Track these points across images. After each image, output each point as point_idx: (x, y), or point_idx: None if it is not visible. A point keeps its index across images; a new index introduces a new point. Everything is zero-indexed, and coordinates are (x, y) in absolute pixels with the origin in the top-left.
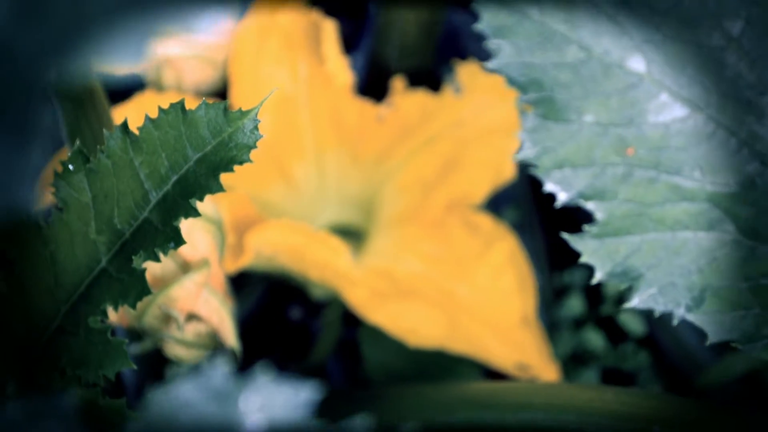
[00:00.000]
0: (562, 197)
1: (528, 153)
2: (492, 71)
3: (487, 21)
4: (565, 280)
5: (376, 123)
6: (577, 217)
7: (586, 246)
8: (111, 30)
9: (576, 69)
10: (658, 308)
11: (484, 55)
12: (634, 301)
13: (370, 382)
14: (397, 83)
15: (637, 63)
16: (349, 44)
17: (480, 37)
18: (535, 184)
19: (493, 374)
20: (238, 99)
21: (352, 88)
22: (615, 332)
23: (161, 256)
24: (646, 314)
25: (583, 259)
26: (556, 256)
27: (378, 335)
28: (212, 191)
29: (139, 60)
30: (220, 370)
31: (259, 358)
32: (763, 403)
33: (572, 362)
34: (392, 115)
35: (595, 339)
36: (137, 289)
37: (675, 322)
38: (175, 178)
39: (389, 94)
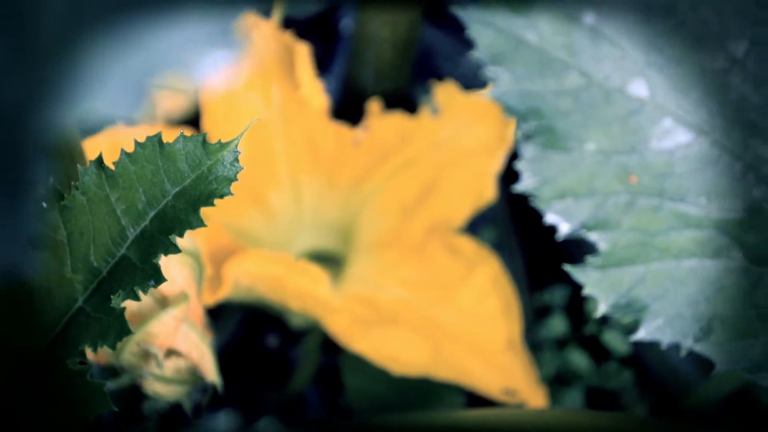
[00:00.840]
0: (564, 228)
1: (528, 184)
2: (490, 100)
3: (484, 48)
4: (545, 299)
5: (353, 147)
6: (554, 238)
7: (589, 278)
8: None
9: (576, 96)
10: (666, 340)
11: (458, 75)
12: (641, 334)
13: (351, 410)
14: (373, 105)
15: (639, 88)
16: (322, 66)
17: (453, 57)
18: (513, 203)
19: (479, 400)
20: (212, 127)
21: (327, 112)
22: (598, 351)
23: (141, 294)
24: (630, 333)
25: (586, 291)
26: (536, 275)
27: (360, 363)
28: (192, 226)
29: (136, 110)
30: None
31: (236, 388)
32: (751, 422)
33: (555, 383)
34: (369, 138)
35: (578, 359)
36: (116, 329)
37: (683, 353)
38: (153, 213)
39: (365, 116)
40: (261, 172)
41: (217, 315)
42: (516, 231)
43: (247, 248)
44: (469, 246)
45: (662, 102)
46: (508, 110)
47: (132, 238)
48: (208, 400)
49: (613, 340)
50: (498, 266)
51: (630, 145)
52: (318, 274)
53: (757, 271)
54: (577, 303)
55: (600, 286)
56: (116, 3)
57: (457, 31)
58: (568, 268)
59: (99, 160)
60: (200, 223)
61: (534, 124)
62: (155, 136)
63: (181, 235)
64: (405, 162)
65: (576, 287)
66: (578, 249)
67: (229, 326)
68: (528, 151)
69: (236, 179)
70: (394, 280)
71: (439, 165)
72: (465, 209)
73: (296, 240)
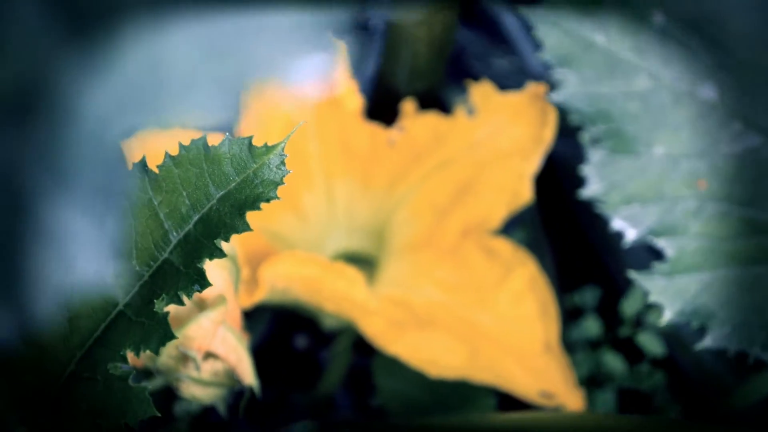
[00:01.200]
0: (630, 234)
1: (595, 189)
2: (557, 103)
3: (552, 50)
4: (577, 300)
5: (387, 148)
6: (586, 239)
7: (655, 285)
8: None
9: (645, 99)
10: (732, 348)
11: (491, 75)
12: (707, 341)
13: (382, 412)
14: (408, 105)
15: (709, 90)
16: (356, 66)
17: (486, 57)
18: (543, 202)
19: (512, 403)
20: (246, 128)
21: (361, 112)
22: (631, 353)
23: (185, 299)
24: (666, 335)
25: (652, 299)
26: (567, 276)
27: (392, 364)
28: (238, 230)
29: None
30: None
31: (266, 389)
32: None
33: (588, 384)
34: (403, 139)
35: (612, 361)
36: (159, 333)
37: (750, 361)
38: (197, 217)
39: (399, 117)
40: (294, 175)
41: (248, 315)
42: (546, 231)
43: (281, 251)
44: (505, 248)
45: (732, 105)
46: (576, 113)
47: (175, 242)
48: (245, 402)
49: (647, 341)
50: (535, 268)
51: (699, 149)
52: (354, 275)
53: None
54: (609, 304)
55: (666, 293)
56: (204, 6)
57: (489, 31)
58: (633, 274)
59: (142, 163)
60: (246, 227)
61: (602, 128)
62: (200, 139)
63: (226, 240)
64: (440, 163)
65: (608, 288)
66: (608, 250)
67: (259, 327)
68: (595, 155)
69: (282, 183)
70: (429, 281)
71: (474, 166)
72: (500, 211)
73: (329, 242)
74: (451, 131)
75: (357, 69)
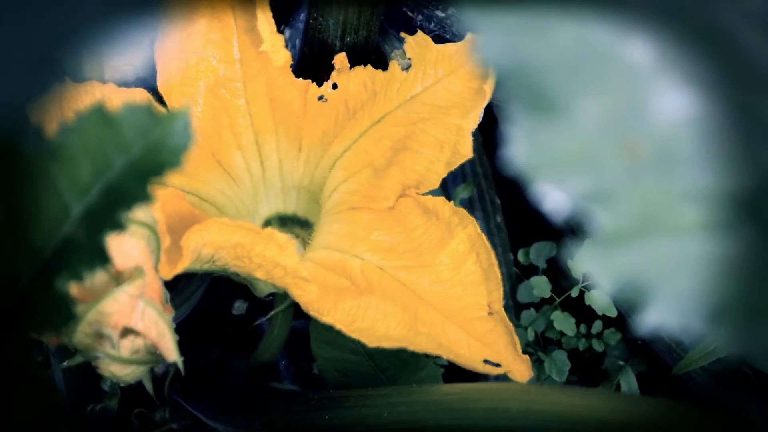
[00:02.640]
0: (560, 200)
1: (517, 150)
2: (472, 54)
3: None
4: (529, 257)
5: (319, 104)
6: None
7: (589, 255)
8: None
9: (571, 52)
10: (673, 322)
11: (430, 29)
12: (647, 315)
13: (323, 380)
14: (340, 60)
15: (642, 46)
16: (284, 19)
17: (422, 7)
18: (492, 157)
19: (460, 371)
20: (166, 86)
21: (289, 67)
22: (583, 312)
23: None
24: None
25: (587, 270)
26: (517, 233)
27: (329, 331)
28: (142, 201)
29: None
30: None
31: (203, 356)
32: (746, 386)
33: (539, 345)
34: (336, 95)
35: (562, 320)
36: (61, 314)
37: (691, 337)
38: (98, 187)
39: (331, 72)
40: (222, 133)
41: (185, 281)
42: (496, 187)
43: (208, 216)
44: (445, 208)
45: (667, 62)
46: (492, 65)
47: (76, 215)
48: (169, 381)
49: (598, 301)
50: (476, 229)
51: (631, 109)
52: (285, 241)
53: None
54: (562, 263)
55: (603, 265)
56: None
57: None
58: (569, 245)
59: (37, 131)
60: (150, 197)
61: (523, 82)
62: (97, 104)
63: (129, 210)
64: (375, 119)
65: (561, 244)
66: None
67: (194, 292)
68: (515, 112)
69: (188, 149)
70: (366, 245)
71: (411, 122)
72: (440, 169)
73: (261, 205)
74: (387, 86)
75: (286, 23)
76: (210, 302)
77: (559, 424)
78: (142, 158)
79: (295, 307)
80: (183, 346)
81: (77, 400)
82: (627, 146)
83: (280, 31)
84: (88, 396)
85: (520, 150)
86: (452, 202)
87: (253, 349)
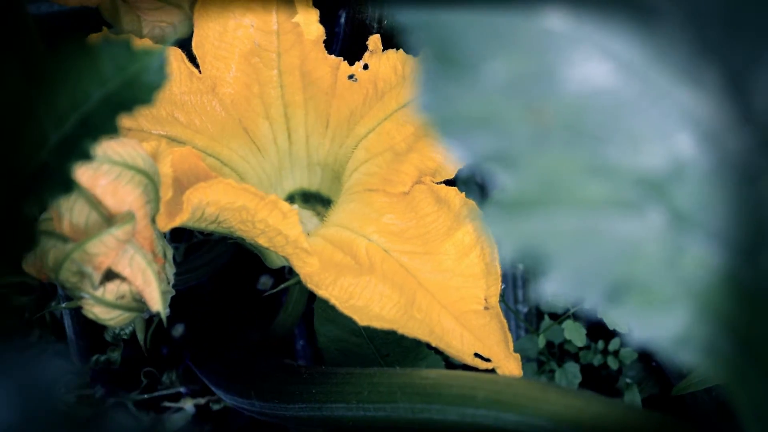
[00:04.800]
0: (460, 158)
1: (424, 102)
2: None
3: None
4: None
5: (349, 83)
6: None
7: (493, 217)
8: None
9: (485, 13)
10: (570, 295)
11: None
12: (545, 284)
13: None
14: (373, 41)
15: (560, 14)
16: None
17: None
18: None
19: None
20: (201, 48)
21: (322, 43)
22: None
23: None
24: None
25: (490, 230)
26: None
27: (334, 309)
28: (110, 133)
29: None
30: None
31: (223, 325)
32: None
33: (554, 357)
34: (366, 75)
35: (573, 330)
36: (26, 238)
37: (599, 313)
38: (75, 117)
39: (366, 53)
40: (252, 101)
41: (208, 248)
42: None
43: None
44: (456, 198)
45: (581, 25)
46: (403, 18)
47: (51, 141)
48: (151, 329)
49: (612, 317)
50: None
51: (542, 71)
52: (288, 210)
53: (683, 233)
54: None
55: (504, 229)
56: None
57: None
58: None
59: (19, 58)
60: (117, 131)
61: (434, 33)
62: (79, 35)
63: (96, 141)
64: (401, 104)
65: None
66: None
67: (217, 259)
68: (425, 64)
69: (161, 87)
70: (376, 227)
71: None
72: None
73: (286, 179)
74: (415, 72)
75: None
76: (237, 275)
77: (516, 415)
78: (117, 92)
79: None
80: (202, 313)
81: (85, 351)
82: (533, 111)
83: (338, 16)
84: (95, 347)
85: (426, 102)
86: (463, 193)
87: (270, 324)
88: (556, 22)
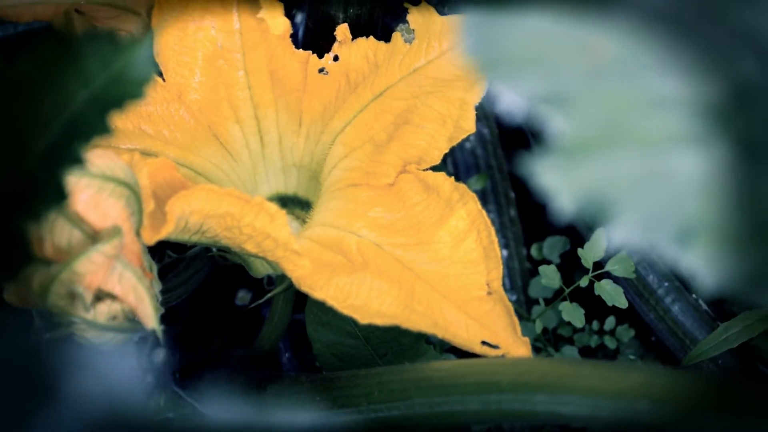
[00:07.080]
0: (513, 102)
1: (469, 45)
2: None
3: None
4: (544, 252)
5: (320, 77)
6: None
7: (548, 165)
8: None
9: None
10: (637, 242)
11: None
12: (609, 233)
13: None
14: (342, 31)
15: None
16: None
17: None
18: (507, 148)
19: (458, 353)
20: (163, 55)
21: (289, 38)
22: (596, 306)
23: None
24: (630, 287)
25: (545, 181)
26: (532, 226)
27: (327, 313)
28: (101, 133)
29: None
30: None
31: (205, 344)
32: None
33: (549, 342)
34: (337, 67)
35: (571, 311)
36: (19, 256)
37: (664, 257)
38: (59, 120)
39: (333, 44)
40: (220, 105)
41: (185, 264)
42: (510, 179)
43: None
44: (445, 184)
45: None
46: None
47: (36, 150)
48: (149, 349)
49: (608, 291)
50: (477, 205)
51: (594, 7)
52: (275, 211)
53: (754, 163)
54: (574, 257)
55: (563, 178)
56: None
57: None
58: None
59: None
60: (108, 130)
61: None
62: (56, 33)
63: (87, 143)
64: (377, 93)
65: (576, 241)
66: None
67: (195, 275)
68: (471, 12)
69: (150, 80)
70: (364, 222)
71: (414, 95)
72: (442, 144)
73: (261, 184)
74: (389, 58)
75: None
76: (213, 291)
77: (548, 395)
78: (104, 90)
79: (298, 299)
80: (183, 335)
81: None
82: (587, 47)
83: (293, 15)
84: None
85: (471, 45)
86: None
87: (254, 339)
88: None
